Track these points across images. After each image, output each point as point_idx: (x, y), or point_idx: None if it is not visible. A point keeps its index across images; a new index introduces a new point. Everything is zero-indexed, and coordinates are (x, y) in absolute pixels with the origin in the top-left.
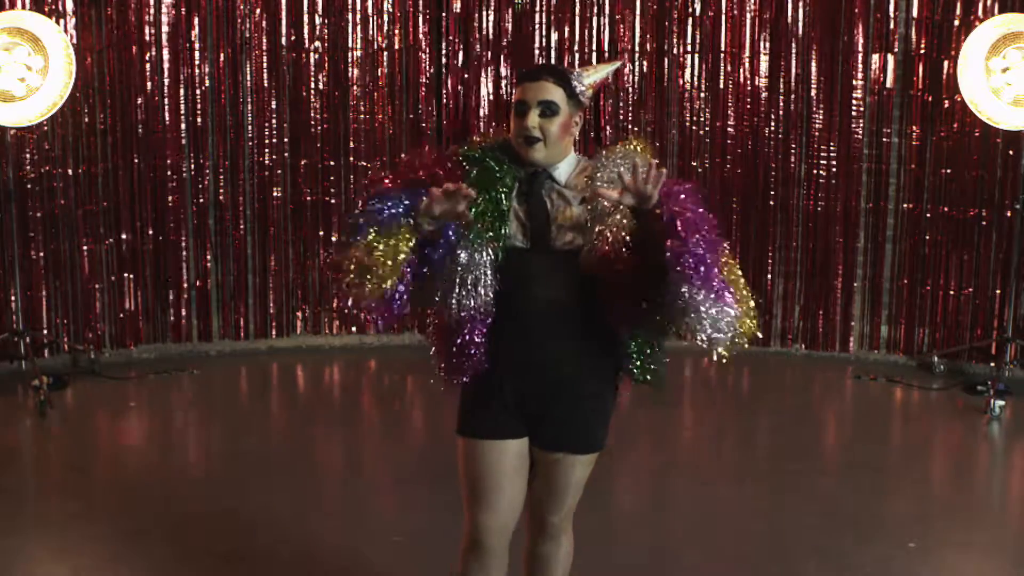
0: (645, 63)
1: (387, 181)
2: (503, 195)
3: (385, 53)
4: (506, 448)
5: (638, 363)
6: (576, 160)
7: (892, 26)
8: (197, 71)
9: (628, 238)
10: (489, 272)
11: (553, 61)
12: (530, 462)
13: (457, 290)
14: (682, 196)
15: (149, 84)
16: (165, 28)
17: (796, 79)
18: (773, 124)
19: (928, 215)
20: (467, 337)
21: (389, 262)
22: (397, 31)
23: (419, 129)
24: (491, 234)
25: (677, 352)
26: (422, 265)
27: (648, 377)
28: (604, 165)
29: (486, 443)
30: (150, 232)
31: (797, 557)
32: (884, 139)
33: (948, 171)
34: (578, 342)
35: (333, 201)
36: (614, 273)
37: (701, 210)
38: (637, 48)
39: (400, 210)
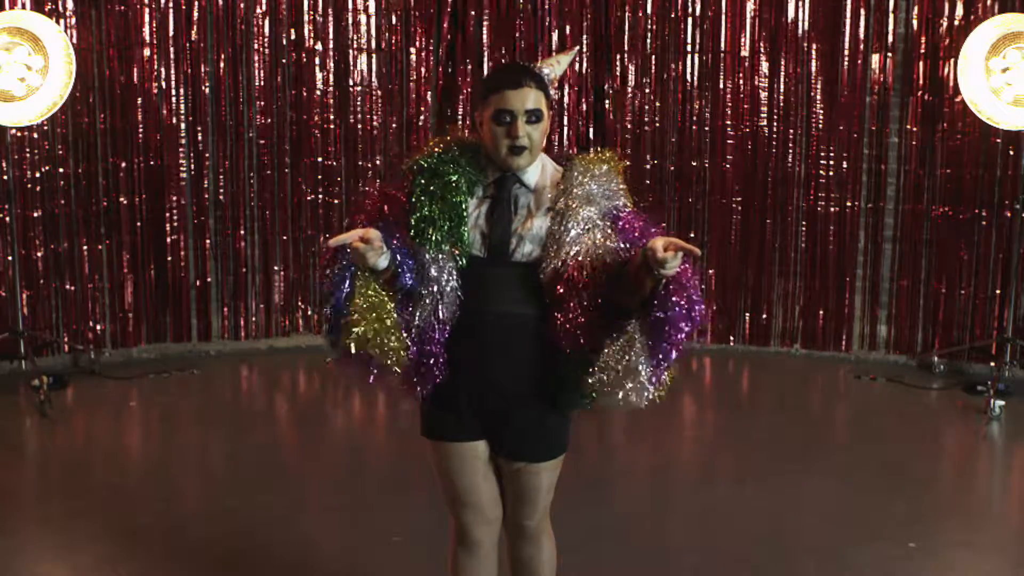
0: (646, 63)
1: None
2: (460, 200)
3: (386, 52)
4: (475, 449)
5: (569, 389)
6: (542, 162)
7: (892, 26)
8: (197, 71)
9: (603, 263)
10: (455, 281)
11: (554, 59)
12: (495, 466)
13: (424, 303)
14: (687, 273)
15: (149, 84)
16: (165, 27)
17: (796, 79)
18: (773, 124)
19: (928, 215)
20: (425, 347)
21: (387, 322)
22: (398, 30)
23: (419, 129)
24: (452, 240)
25: None
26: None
27: (575, 402)
28: (576, 180)
29: (454, 445)
30: (150, 232)
31: (797, 557)
32: (884, 139)
33: (948, 171)
34: (534, 353)
35: (335, 201)
36: (574, 291)
37: (696, 295)
38: (638, 47)
39: (347, 274)
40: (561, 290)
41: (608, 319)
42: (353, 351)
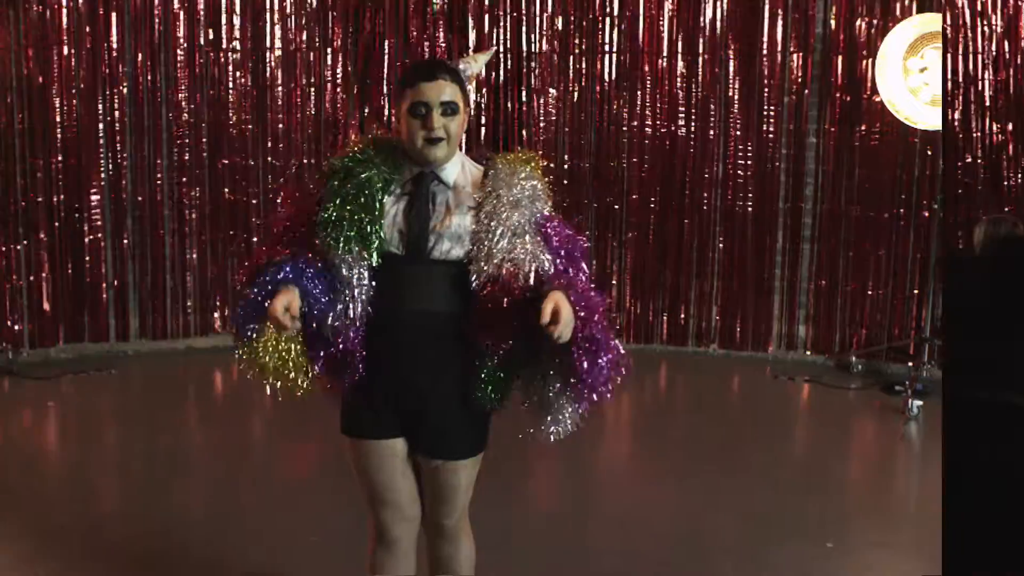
0: (565, 62)
1: (259, 251)
2: (374, 198)
3: (305, 53)
4: (393, 447)
5: (485, 387)
6: (460, 160)
7: (810, 25)
8: (115, 71)
9: (535, 273)
10: (366, 281)
11: (471, 56)
12: (414, 464)
13: (337, 303)
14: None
15: (67, 84)
16: (84, 27)
17: (714, 79)
18: (691, 124)
19: (846, 215)
20: (342, 345)
21: (289, 363)
22: (316, 31)
23: (338, 128)
24: (363, 240)
25: None
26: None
27: (490, 400)
28: (499, 179)
29: (373, 443)
30: (68, 232)
31: (715, 557)
32: (802, 139)
33: (866, 171)
34: (451, 352)
35: (253, 201)
36: (504, 297)
37: (604, 344)
38: (557, 48)
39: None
40: (491, 295)
41: (529, 331)
42: (258, 375)
